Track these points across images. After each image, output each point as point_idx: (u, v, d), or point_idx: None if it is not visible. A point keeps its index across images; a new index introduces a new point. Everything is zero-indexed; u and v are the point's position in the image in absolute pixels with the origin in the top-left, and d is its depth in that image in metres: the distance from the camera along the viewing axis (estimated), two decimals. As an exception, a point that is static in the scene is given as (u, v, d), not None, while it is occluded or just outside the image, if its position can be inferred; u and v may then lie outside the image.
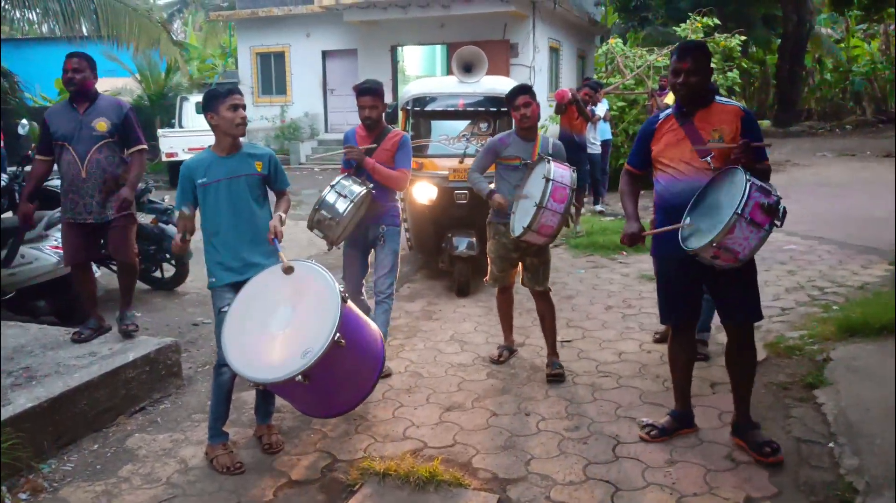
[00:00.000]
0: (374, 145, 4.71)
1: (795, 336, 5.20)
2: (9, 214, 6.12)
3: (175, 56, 15.84)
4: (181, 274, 6.95)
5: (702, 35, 13.95)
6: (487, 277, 4.95)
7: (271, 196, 3.96)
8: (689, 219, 3.36)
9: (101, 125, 4.64)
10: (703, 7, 14.99)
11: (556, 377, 4.61)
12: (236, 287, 3.60)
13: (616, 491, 3.34)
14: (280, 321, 3.34)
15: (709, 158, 3.41)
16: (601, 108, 10.35)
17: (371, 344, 3.64)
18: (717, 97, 3.59)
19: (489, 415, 4.19)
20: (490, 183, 4.86)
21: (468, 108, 7.13)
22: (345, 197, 4.48)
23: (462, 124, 7.27)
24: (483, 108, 7.12)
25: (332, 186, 4.55)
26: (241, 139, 3.81)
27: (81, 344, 4.58)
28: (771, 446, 3.52)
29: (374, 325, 3.79)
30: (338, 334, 3.13)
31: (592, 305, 6.30)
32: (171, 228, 6.64)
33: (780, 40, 25.98)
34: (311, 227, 4.57)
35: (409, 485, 3.38)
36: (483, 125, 7.16)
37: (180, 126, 17.87)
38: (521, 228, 4.30)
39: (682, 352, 3.80)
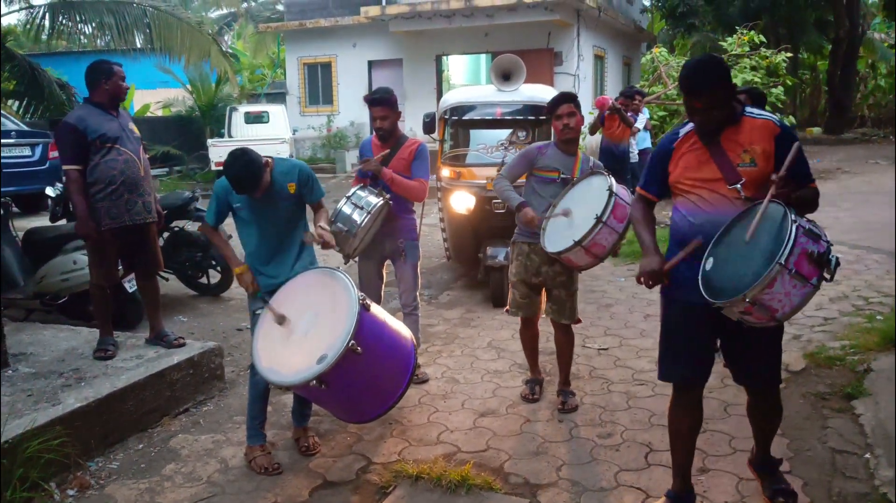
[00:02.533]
0: (387, 151, 4.61)
1: (837, 346, 5.13)
2: (63, 221, 6.38)
3: (225, 67, 16.23)
4: (226, 280, 7.13)
5: (747, 50, 13.78)
6: (508, 305, 4.55)
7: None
8: (711, 261, 2.81)
9: (135, 128, 4.74)
10: (753, 13, 14.83)
11: (570, 409, 4.33)
12: (271, 292, 3.72)
13: (646, 498, 3.36)
14: (304, 326, 3.44)
15: (739, 185, 2.84)
16: (641, 119, 10.32)
17: (397, 350, 3.65)
18: (747, 110, 2.98)
19: (523, 421, 4.23)
20: None
21: (506, 117, 7.11)
22: (361, 208, 4.33)
23: (501, 133, 7.26)
24: (521, 117, 7.04)
25: (348, 197, 4.39)
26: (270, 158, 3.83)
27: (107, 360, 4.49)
28: (785, 495, 3.20)
29: (405, 332, 3.82)
30: (353, 342, 3.19)
31: (631, 314, 6.30)
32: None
33: (831, 45, 25.48)
34: None
35: (440, 489, 3.45)
36: (521, 134, 7.10)
37: (229, 136, 18.26)
38: (566, 244, 3.84)
39: (685, 417, 3.16)
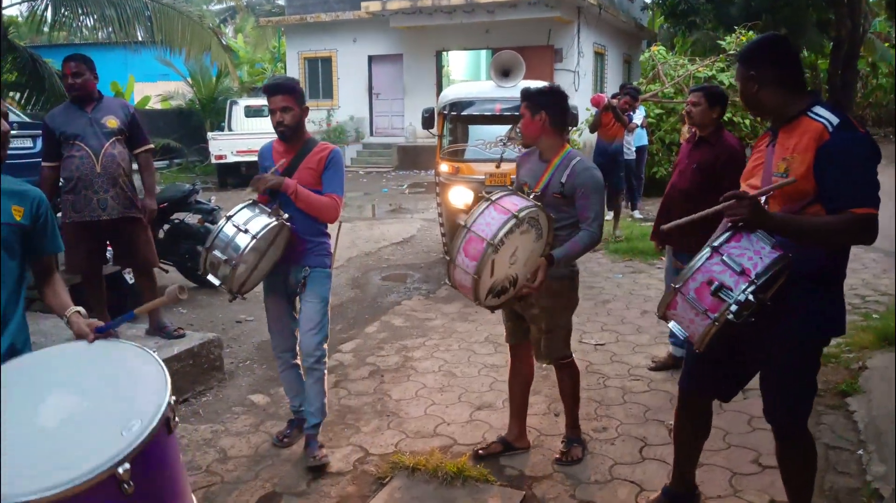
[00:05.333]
0: (283, 162, 3.65)
1: (832, 344, 5.14)
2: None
3: (225, 61, 16.25)
4: (226, 273, 7.14)
5: None
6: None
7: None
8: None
9: (112, 122, 4.59)
10: (754, 12, 14.81)
11: (571, 461, 3.67)
12: None
13: (640, 491, 3.39)
14: (54, 411, 1.94)
15: (764, 198, 2.47)
16: (638, 116, 10.37)
17: None
18: (814, 109, 2.49)
19: (519, 414, 4.27)
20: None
21: (505, 113, 7.09)
22: (245, 232, 3.37)
23: (499, 129, 7.32)
24: (520, 113, 7.12)
25: (230, 218, 3.43)
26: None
27: None
28: None
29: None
30: (172, 398, 1.96)
31: (628, 310, 6.33)
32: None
33: (832, 45, 25.48)
34: (203, 273, 3.46)
35: (436, 480, 3.48)
36: (520, 130, 7.16)
37: (230, 129, 18.29)
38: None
39: (687, 423, 3.04)
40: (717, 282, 2.28)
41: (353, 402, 4.47)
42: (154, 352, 2.10)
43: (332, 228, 3.83)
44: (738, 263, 2.30)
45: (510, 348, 3.86)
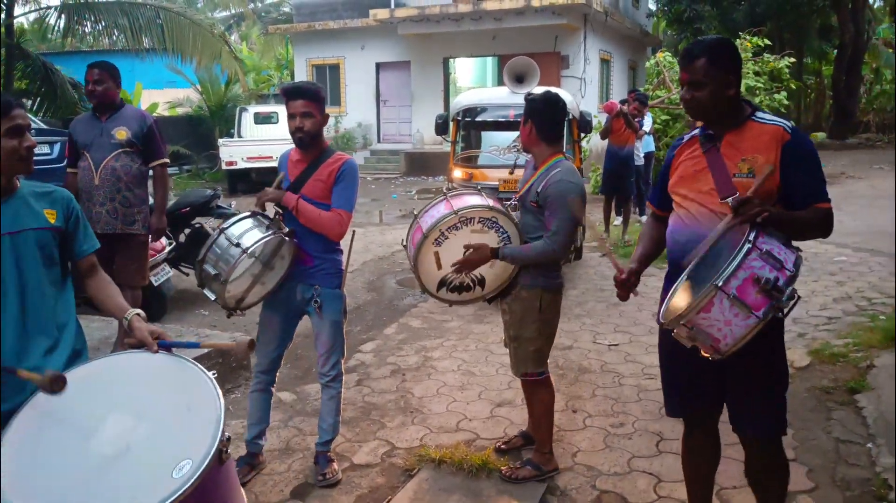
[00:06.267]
0: (282, 174, 3.53)
1: (840, 344, 5.31)
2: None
3: (235, 69, 16.44)
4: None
5: (750, 55, 13.91)
6: None
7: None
8: (685, 278, 2.50)
9: (121, 133, 4.48)
10: (759, 19, 14.93)
11: (510, 477, 3.55)
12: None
13: (658, 482, 3.53)
14: (113, 436, 1.95)
15: (731, 200, 2.39)
16: (647, 122, 10.53)
17: None
18: (757, 114, 2.59)
19: (538, 411, 4.41)
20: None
21: (519, 119, 7.19)
22: (237, 245, 3.18)
23: (513, 135, 7.38)
24: None
25: (223, 231, 3.24)
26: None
27: None
28: None
29: None
30: (228, 434, 1.98)
31: (640, 312, 6.46)
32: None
33: (836, 51, 25.65)
34: (200, 286, 3.38)
35: (463, 472, 3.63)
36: None
37: (239, 136, 18.47)
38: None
39: (698, 459, 2.92)
40: (764, 278, 2.17)
41: (376, 400, 4.61)
42: (213, 375, 2.07)
43: (346, 238, 3.61)
44: (773, 257, 2.22)
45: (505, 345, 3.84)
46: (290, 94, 3.40)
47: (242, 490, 2.23)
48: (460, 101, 7.81)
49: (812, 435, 3.92)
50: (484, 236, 3.38)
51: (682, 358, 2.60)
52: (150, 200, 4.81)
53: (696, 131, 2.71)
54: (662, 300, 2.69)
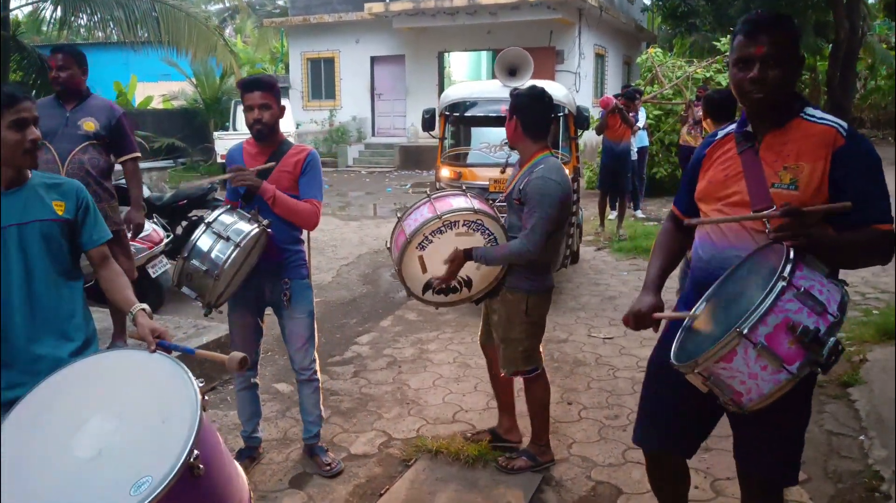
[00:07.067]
0: (272, 164, 3.40)
1: (833, 337, 5.34)
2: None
3: (231, 62, 16.41)
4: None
5: None
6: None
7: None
8: (703, 306, 2.12)
9: (89, 125, 4.23)
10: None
11: (505, 468, 3.59)
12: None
13: (653, 473, 3.56)
14: (94, 439, 1.91)
15: (772, 212, 2.00)
16: (641, 118, 10.57)
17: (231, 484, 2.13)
18: (807, 111, 2.15)
19: (534, 403, 4.44)
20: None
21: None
22: (227, 239, 3.13)
23: (504, 132, 7.04)
24: None
25: (209, 224, 3.19)
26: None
27: None
28: None
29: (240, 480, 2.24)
30: (196, 453, 1.82)
31: (634, 305, 6.50)
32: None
33: (831, 47, 25.70)
34: (178, 285, 3.27)
35: (459, 462, 3.66)
36: None
37: (234, 129, 18.45)
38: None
39: (660, 486, 2.66)
40: (802, 326, 1.76)
41: (373, 391, 4.64)
42: (199, 383, 1.96)
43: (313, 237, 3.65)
44: (813, 298, 1.81)
45: (482, 347, 3.87)
46: (248, 86, 3.38)
47: (244, 486, 2.20)
48: (449, 94, 7.16)
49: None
50: (470, 239, 3.31)
51: (660, 391, 2.38)
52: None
53: (732, 126, 2.31)
54: (670, 328, 2.36)
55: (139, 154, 4.55)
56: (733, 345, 1.81)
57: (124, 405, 2.00)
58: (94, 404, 2.00)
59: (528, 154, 3.42)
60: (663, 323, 2.34)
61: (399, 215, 3.40)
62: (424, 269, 3.37)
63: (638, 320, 2.31)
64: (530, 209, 3.25)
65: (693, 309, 2.13)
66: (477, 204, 3.38)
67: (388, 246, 3.51)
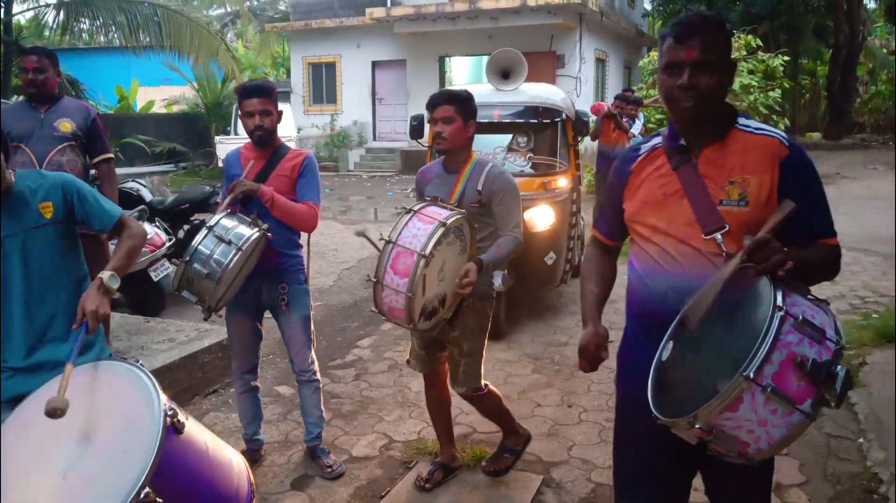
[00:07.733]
0: (260, 163, 3.45)
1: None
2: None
3: (232, 67, 16.47)
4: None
5: (745, 54, 13.93)
6: (408, 354, 3.59)
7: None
8: (669, 347, 1.88)
9: (66, 126, 4.18)
10: (754, 19, 14.95)
11: (492, 471, 3.54)
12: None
13: (653, 475, 3.58)
14: (64, 461, 1.90)
15: (719, 235, 1.90)
16: (637, 125, 10.54)
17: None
18: (741, 121, 2.00)
19: (534, 405, 4.46)
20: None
21: (505, 120, 6.11)
22: (229, 243, 3.11)
23: (498, 139, 6.33)
24: (522, 120, 6.10)
25: (210, 228, 3.16)
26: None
27: None
28: None
29: (235, 473, 2.22)
30: (147, 491, 1.77)
31: (634, 309, 6.52)
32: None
33: (831, 51, 25.77)
34: (178, 289, 3.22)
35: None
36: (522, 140, 6.15)
37: (235, 133, 18.50)
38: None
39: None
40: (810, 360, 1.58)
41: (374, 394, 4.66)
42: (168, 409, 1.92)
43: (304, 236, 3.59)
44: (810, 324, 1.63)
45: (424, 378, 3.56)
46: (247, 92, 3.38)
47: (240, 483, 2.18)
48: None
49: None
50: (452, 248, 3.01)
51: (641, 453, 2.14)
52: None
53: (656, 139, 2.10)
54: (622, 369, 2.25)
55: (112, 155, 4.52)
56: (739, 393, 1.58)
57: (95, 428, 1.96)
58: (72, 422, 1.93)
59: (464, 157, 3.30)
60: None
61: (389, 239, 2.92)
62: (424, 291, 2.88)
63: (591, 359, 2.19)
64: (506, 206, 3.20)
65: (658, 351, 1.90)
66: (452, 208, 3.07)
67: (375, 279, 2.91)
